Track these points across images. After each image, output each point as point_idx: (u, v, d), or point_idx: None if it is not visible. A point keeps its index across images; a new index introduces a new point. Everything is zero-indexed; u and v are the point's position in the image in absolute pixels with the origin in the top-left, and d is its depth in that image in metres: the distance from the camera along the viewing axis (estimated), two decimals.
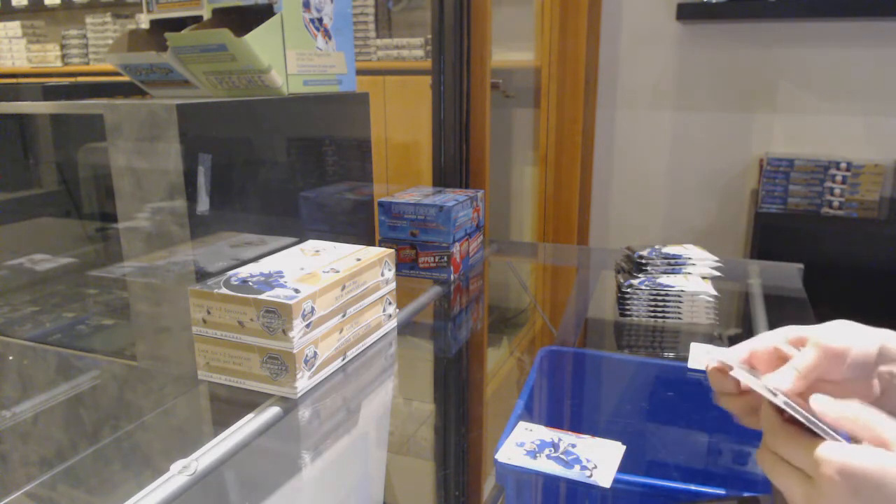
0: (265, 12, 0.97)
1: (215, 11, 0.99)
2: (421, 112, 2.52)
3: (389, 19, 2.93)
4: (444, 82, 1.55)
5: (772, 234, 2.10)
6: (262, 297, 0.74)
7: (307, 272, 0.83)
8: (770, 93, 2.25)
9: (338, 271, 0.83)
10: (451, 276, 1.22)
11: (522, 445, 0.66)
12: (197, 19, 1.00)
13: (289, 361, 0.75)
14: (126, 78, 1.07)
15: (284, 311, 0.73)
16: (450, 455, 0.79)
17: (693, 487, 0.57)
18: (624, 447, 0.64)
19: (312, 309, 0.77)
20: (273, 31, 0.97)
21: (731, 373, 0.49)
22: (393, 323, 0.98)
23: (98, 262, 1.13)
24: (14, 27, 3.71)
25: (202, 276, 0.85)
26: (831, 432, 0.40)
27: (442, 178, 1.61)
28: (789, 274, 1.34)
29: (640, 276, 1.08)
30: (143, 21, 1.07)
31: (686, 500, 0.57)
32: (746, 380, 0.46)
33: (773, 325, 1.06)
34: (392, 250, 0.95)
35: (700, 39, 2.31)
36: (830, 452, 0.39)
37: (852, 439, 0.40)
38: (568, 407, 0.82)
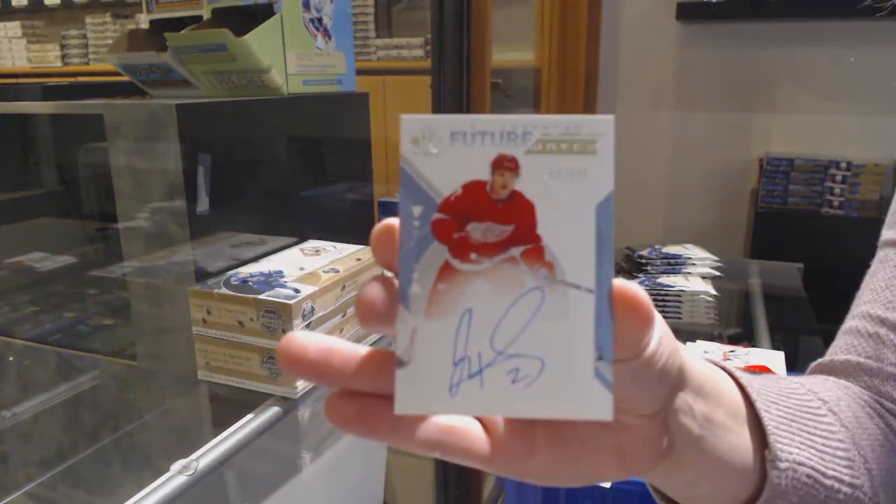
0: (265, 12, 0.97)
1: (215, 11, 0.99)
2: (421, 112, 2.51)
3: (389, 19, 2.94)
4: (444, 82, 1.55)
5: (772, 233, 2.10)
6: (262, 296, 0.74)
7: (307, 272, 0.83)
8: (770, 93, 2.25)
9: (338, 271, 0.83)
10: None
11: None
12: (197, 19, 1.00)
13: None
14: (126, 78, 1.07)
15: (284, 310, 0.73)
16: None
17: None
18: None
19: (312, 309, 0.77)
20: (273, 31, 0.97)
21: None
22: None
23: (98, 262, 1.13)
24: (14, 27, 3.71)
25: (202, 276, 0.85)
26: None
27: None
28: (789, 274, 1.34)
29: (639, 275, 1.08)
30: (143, 21, 1.07)
31: None
32: None
33: (773, 324, 1.06)
34: None
35: (700, 39, 2.31)
36: None
37: None
38: None
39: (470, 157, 0.23)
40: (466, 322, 0.23)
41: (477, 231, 0.23)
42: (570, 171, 0.23)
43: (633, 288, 0.23)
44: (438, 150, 0.23)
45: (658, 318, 0.25)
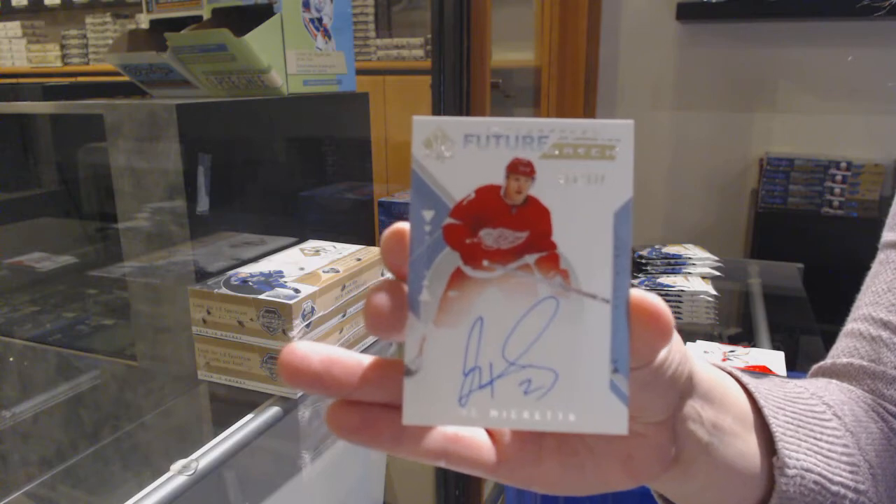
0: (265, 12, 0.97)
1: (215, 11, 0.99)
2: (421, 112, 2.51)
3: (389, 19, 2.93)
4: (444, 82, 1.55)
5: (772, 233, 2.10)
6: (262, 296, 0.74)
7: (307, 272, 0.83)
8: (770, 93, 2.25)
9: (338, 271, 0.83)
10: None
11: None
12: (197, 19, 1.00)
13: None
14: (126, 78, 1.07)
15: (284, 310, 0.73)
16: None
17: None
18: None
19: (312, 309, 0.77)
20: (273, 31, 0.97)
21: None
22: None
23: (98, 262, 1.13)
24: (14, 27, 3.71)
25: (202, 276, 0.85)
26: None
27: None
28: (789, 274, 1.34)
29: (640, 275, 1.08)
30: (143, 21, 1.07)
31: None
32: None
33: (773, 324, 1.06)
34: None
35: (700, 39, 2.31)
36: None
37: None
38: None
39: (484, 161, 0.22)
40: (478, 331, 0.22)
41: (490, 237, 0.22)
42: (588, 176, 0.22)
43: (651, 299, 0.22)
44: (451, 154, 0.22)
45: None
